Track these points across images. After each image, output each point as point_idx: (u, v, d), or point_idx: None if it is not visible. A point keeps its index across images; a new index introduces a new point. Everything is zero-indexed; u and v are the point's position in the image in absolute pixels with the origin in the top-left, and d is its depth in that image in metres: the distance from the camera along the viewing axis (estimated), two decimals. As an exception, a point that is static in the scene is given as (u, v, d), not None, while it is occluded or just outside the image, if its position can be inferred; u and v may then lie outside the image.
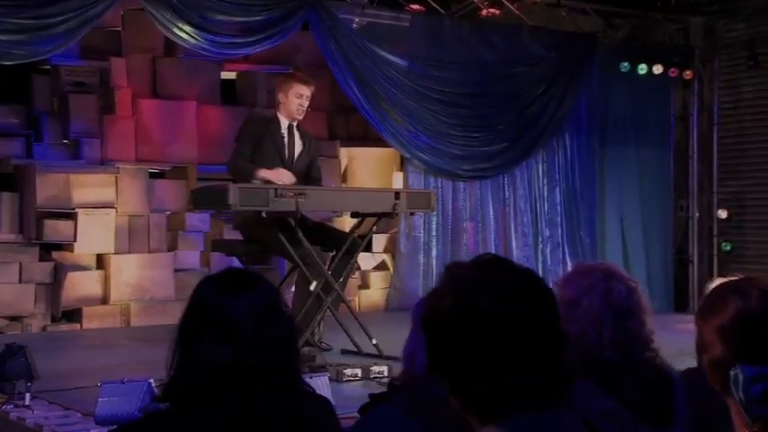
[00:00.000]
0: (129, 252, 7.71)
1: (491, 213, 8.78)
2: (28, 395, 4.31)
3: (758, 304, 1.90)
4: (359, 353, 5.57)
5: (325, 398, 2.26)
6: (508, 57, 8.65)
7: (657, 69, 9.30)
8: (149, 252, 7.80)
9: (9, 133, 7.58)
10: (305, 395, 2.10)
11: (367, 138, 8.84)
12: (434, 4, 8.35)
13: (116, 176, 7.71)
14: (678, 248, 10.03)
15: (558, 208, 9.05)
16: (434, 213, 7.88)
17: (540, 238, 8.98)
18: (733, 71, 9.84)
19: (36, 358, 4.44)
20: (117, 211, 7.68)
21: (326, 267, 5.55)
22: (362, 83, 7.80)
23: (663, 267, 9.74)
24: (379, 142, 8.46)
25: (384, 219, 5.94)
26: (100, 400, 3.47)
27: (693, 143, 10.06)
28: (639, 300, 2.59)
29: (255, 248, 5.80)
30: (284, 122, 5.91)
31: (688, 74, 9.65)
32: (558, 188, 9.08)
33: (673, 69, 9.44)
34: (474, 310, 1.44)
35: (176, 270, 7.85)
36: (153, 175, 8.06)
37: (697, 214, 10.00)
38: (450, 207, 8.49)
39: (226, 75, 8.65)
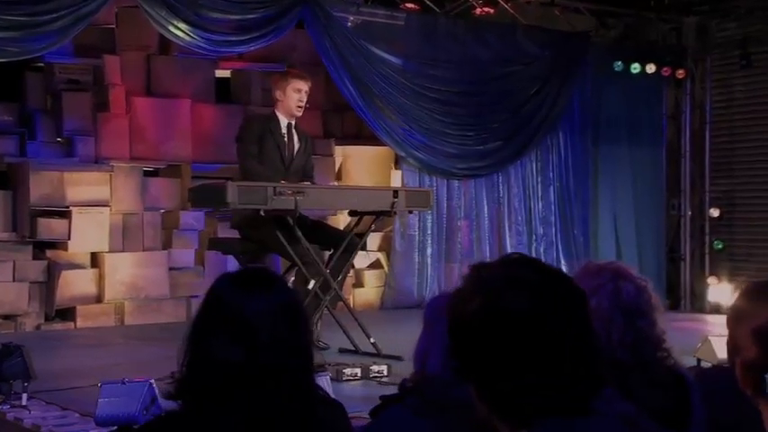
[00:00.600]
0: (124, 250, 7.62)
1: (485, 212, 8.74)
2: (25, 395, 4.23)
3: None
4: (357, 352, 5.51)
5: (338, 402, 2.19)
6: (502, 55, 8.61)
7: (650, 68, 9.28)
8: (144, 250, 7.70)
9: (2, 131, 7.47)
10: (319, 399, 2.04)
11: (361, 136, 8.78)
12: (429, 3, 8.30)
13: (110, 174, 7.62)
14: (670, 247, 10.02)
15: (552, 206, 9.03)
16: (429, 212, 7.83)
17: (534, 237, 8.95)
18: (725, 70, 9.82)
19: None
20: (111, 210, 7.58)
21: (324, 266, 5.48)
22: (357, 81, 7.75)
23: (655, 265, 9.72)
24: (373, 141, 8.40)
25: (380, 217, 5.86)
26: (100, 400, 3.38)
27: (685, 142, 10.05)
28: (650, 299, 2.54)
29: (252, 247, 5.72)
30: (284, 121, 5.84)
31: (680, 73, 9.63)
32: (551, 187, 9.05)
33: (665, 68, 9.43)
34: (504, 311, 1.38)
35: (171, 268, 7.77)
36: (147, 174, 7.96)
37: (689, 213, 9.99)
38: (445, 205, 8.45)
39: (220, 73, 8.56)
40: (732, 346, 1.92)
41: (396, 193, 5.55)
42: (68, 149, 7.66)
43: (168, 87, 8.09)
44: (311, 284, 5.27)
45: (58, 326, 7.30)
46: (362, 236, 5.82)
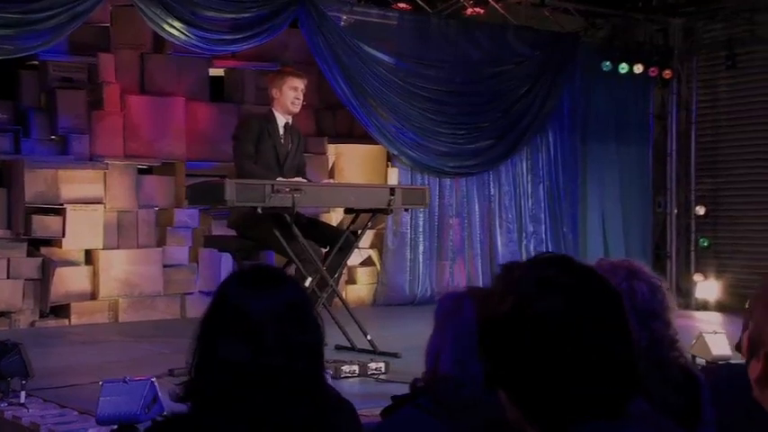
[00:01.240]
0: (118, 248, 7.53)
1: (476, 209, 8.70)
2: (23, 393, 4.14)
3: None
4: (353, 349, 5.43)
5: (349, 403, 2.10)
6: (493, 55, 8.56)
7: (638, 69, 9.25)
8: (138, 248, 7.61)
9: (-3, 129, 7.37)
10: (329, 401, 1.95)
11: (354, 134, 8.71)
12: (421, 3, 8.24)
13: (104, 172, 7.52)
14: (656, 244, 10.00)
15: (542, 204, 8.99)
16: (421, 210, 7.77)
17: (524, 234, 8.91)
18: (710, 71, 9.82)
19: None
20: (105, 207, 7.49)
21: (321, 263, 5.40)
22: (350, 80, 7.67)
23: (642, 262, 9.67)
24: (365, 139, 8.33)
25: (376, 215, 5.78)
26: (101, 399, 3.29)
27: (672, 141, 10.03)
28: (663, 299, 2.47)
29: (248, 245, 5.64)
30: (281, 120, 5.75)
31: (667, 73, 9.60)
32: (541, 185, 9.02)
33: (653, 69, 9.40)
34: (538, 312, 1.29)
35: (165, 266, 7.68)
36: (141, 171, 7.87)
37: (675, 211, 9.97)
38: (437, 203, 8.39)
39: (214, 71, 8.47)
40: (756, 338, 1.84)
41: (392, 190, 5.48)
42: (63, 147, 7.55)
43: (162, 85, 7.99)
44: (308, 282, 5.18)
45: (53, 323, 7.19)
46: (359, 233, 5.75)
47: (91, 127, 7.60)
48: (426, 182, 8.23)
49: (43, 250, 7.30)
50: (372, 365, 4.78)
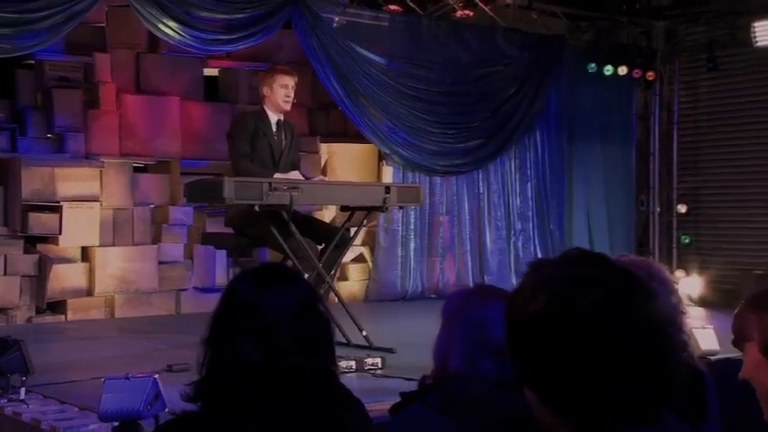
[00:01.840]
0: (114, 245, 7.42)
1: (466, 207, 8.65)
2: (23, 389, 4.02)
3: None
4: (348, 344, 5.35)
5: (359, 401, 2.02)
6: (483, 57, 8.51)
7: (622, 70, 9.23)
8: (133, 245, 7.50)
9: (-7, 127, 7.25)
10: (342, 399, 1.88)
11: (346, 134, 8.63)
12: (412, 5, 8.17)
13: (100, 170, 7.41)
14: (639, 241, 9.99)
15: (530, 202, 8.96)
16: (412, 208, 7.71)
17: (513, 231, 8.87)
18: (692, 73, 9.82)
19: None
20: (101, 205, 7.38)
21: (317, 260, 5.32)
22: (343, 80, 7.61)
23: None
24: (357, 138, 8.27)
25: (371, 212, 5.70)
26: (104, 395, 3.19)
27: (654, 141, 10.03)
28: (678, 302, 2.42)
29: (246, 242, 5.56)
30: (273, 117, 5.66)
31: (650, 75, 9.59)
32: (529, 183, 8.99)
33: (636, 70, 9.38)
34: (575, 311, 1.21)
35: (160, 262, 7.57)
36: (137, 170, 7.76)
37: (658, 209, 9.97)
38: (428, 201, 8.31)
39: (208, 71, 8.36)
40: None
41: (387, 188, 5.40)
42: (59, 145, 7.43)
43: (157, 85, 7.88)
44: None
45: (49, 319, 7.09)
46: (352, 230, 5.67)
47: (87, 126, 7.49)
48: (417, 180, 8.17)
49: (40, 247, 7.19)
50: (369, 361, 4.70)
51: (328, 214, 7.96)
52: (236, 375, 1.74)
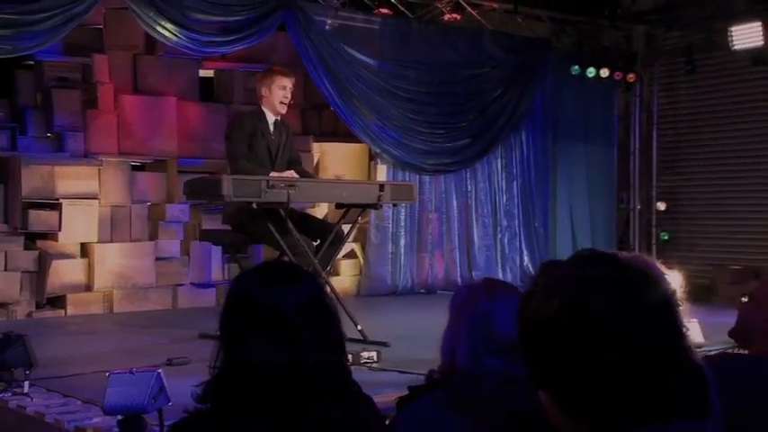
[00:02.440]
0: (112, 241, 7.34)
1: (454, 205, 8.62)
2: (27, 383, 3.95)
3: None
4: (343, 338, 5.28)
5: (369, 396, 1.96)
6: (470, 59, 8.47)
7: (604, 73, 9.22)
8: (131, 241, 7.42)
9: (-6, 126, 7.15)
10: (355, 395, 1.81)
11: (338, 133, 8.57)
12: (402, 8, 8.12)
13: (99, 169, 7.33)
14: (620, 238, 9.99)
15: (515, 200, 8.94)
16: (403, 205, 7.65)
17: (499, 228, 8.84)
18: (671, 75, 9.84)
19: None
20: (100, 202, 7.30)
21: (313, 256, 5.26)
22: (336, 81, 7.56)
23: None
24: (349, 137, 8.21)
25: (366, 210, 5.65)
26: (109, 390, 3.12)
27: (635, 141, 10.04)
28: (674, 297, 2.36)
29: (243, 238, 5.49)
30: (270, 117, 5.59)
31: (631, 77, 9.59)
32: (515, 182, 8.96)
33: (617, 73, 9.37)
34: (586, 312, 1.15)
35: (157, 258, 7.50)
36: (134, 168, 7.67)
37: (638, 206, 9.98)
38: (417, 199, 8.26)
39: (204, 72, 8.28)
40: None
41: (381, 186, 5.35)
42: (58, 144, 7.34)
43: (154, 86, 7.80)
44: (301, 274, 5.02)
45: (49, 313, 6.99)
46: (345, 227, 5.61)
47: (86, 125, 7.40)
48: (407, 179, 8.12)
49: (40, 243, 7.09)
50: (365, 354, 4.64)
51: (320, 211, 7.90)
52: (256, 376, 1.66)
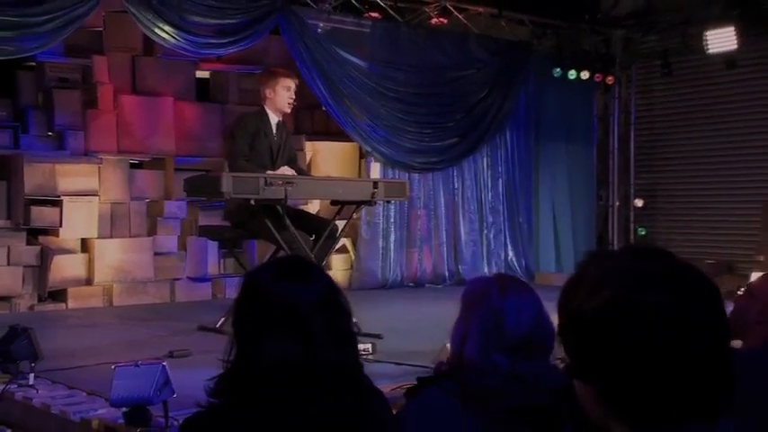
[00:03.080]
0: (112, 237, 7.26)
1: (442, 202, 8.58)
2: (32, 375, 3.89)
3: None
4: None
5: (379, 390, 1.91)
6: (457, 61, 8.43)
7: (584, 75, 9.20)
8: (130, 237, 7.34)
9: (-3, 125, 7.04)
10: (368, 390, 1.77)
11: (329, 132, 8.50)
12: (392, 12, 8.07)
13: (99, 166, 7.24)
14: (600, 233, 9.99)
15: (500, 197, 8.91)
16: (393, 203, 7.60)
17: (485, 224, 8.81)
18: (648, 77, 9.84)
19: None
20: (100, 199, 7.21)
21: (310, 251, 5.20)
22: (328, 81, 7.50)
23: (587, 249, 9.64)
24: (340, 136, 8.15)
25: (360, 206, 5.60)
26: (115, 382, 3.07)
27: (613, 140, 10.03)
28: None
29: (240, 234, 5.43)
30: (273, 118, 5.52)
31: (610, 79, 9.59)
32: (500, 179, 8.93)
33: (597, 75, 9.36)
34: (639, 306, 1.09)
35: (155, 253, 7.42)
36: (133, 166, 7.59)
37: (617, 203, 9.98)
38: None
39: (200, 74, 8.20)
40: None
41: (375, 184, 5.30)
42: (59, 143, 7.24)
43: (152, 86, 7.71)
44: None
45: (51, 306, 6.91)
46: (344, 223, 5.57)
47: (86, 124, 7.31)
48: (396, 176, 8.08)
49: (41, 239, 7.01)
50: (360, 346, 4.52)
51: (313, 208, 7.84)
52: (269, 370, 1.61)
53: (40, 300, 6.91)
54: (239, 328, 1.70)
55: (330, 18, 7.68)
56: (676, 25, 9.09)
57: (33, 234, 6.99)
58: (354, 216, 5.73)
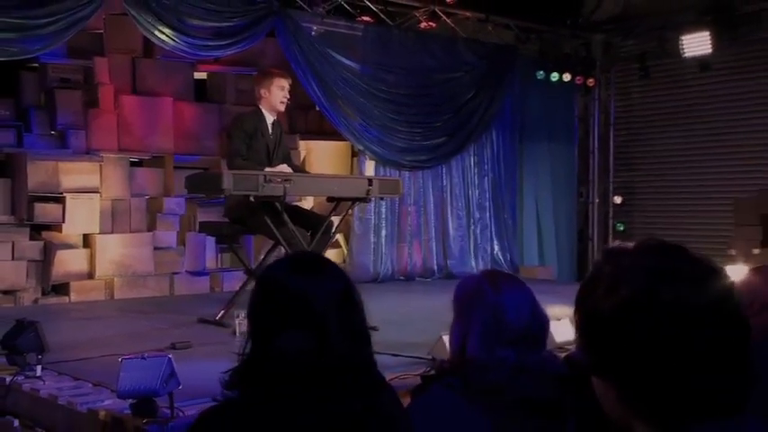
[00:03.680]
0: (113, 232, 7.16)
1: (431, 198, 8.53)
2: (39, 367, 3.81)
3: None
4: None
5: (392, 386, 1.85)
6: (446, 64, 8.38)
7: (566, 77, 9.19)
8: (131, 232, 7.25)
9: (1, 124, 6.91)
10: (380, 386, 1.71)
11: (323, 132, 8.43)
12: (383, 16, 8.01)
13: (100, 164, 7.14)
14: (580, 228, 9.98)
15: (487, 194, 8.88)
16: (381, 199, 7.54)
17: (472, 220, 8.77)
18: (626, 80, 9.84)
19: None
20: (101, 196, 7.12)
21: (307, 246, 5.13)
22: (322, 83, 7.44)
23: (568, 244, 9.68)
24: (333, 136, 8.09)
25: (356, 202, 5.53)
26: (122, 374, 3.00)
27: (594, 140, 10.03)
28: None
29: (239, 229, 5.35)
30: (269, 117, 5.45)
31: (591, 82, 9.57)
32: (486, 177, 8.90)
33: (578, 77, 9.34)
34: (658, 302, 1.05)
35: (155, 248, 7.33)
36: (133, 164, 7.50)
37: (597, 200, 9.98)
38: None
39: (198, 75, 8.10)
40: None
41: (370, 181, 5.24)
42: (62, 141, 7.14)
43: (152, 87, 7.60)
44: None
45: (54, 300, 6.81)
46: (338, 219, 5.50)
47: (87, 123, 7.20)
48: (387, 174, 8.02)
49: (45, 234, 6.91)
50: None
51: (306, 204, 7.77)
52: (284, 364, 1.55)
53: (44, 293, 6.82)
54: (255, 321, 1.65)
55: (324, 21, 7.61)
56: (653, 30, 9.09)
57: (37, 230, 6.89)
58: (351, 212, 5.65)
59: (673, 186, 9.33)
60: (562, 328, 4.17)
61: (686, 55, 8.62)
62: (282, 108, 5.43)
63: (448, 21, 8.38)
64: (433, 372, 2.32)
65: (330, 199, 5.45)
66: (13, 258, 6.65)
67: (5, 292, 6.63)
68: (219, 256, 7.74)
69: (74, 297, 6.85)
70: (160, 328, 5.41)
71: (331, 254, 8.22)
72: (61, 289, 6.89)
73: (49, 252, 6.79)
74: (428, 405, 1.99)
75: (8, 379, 3.71)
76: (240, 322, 4.73)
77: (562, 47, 9.39)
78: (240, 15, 6.96)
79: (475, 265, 8.52)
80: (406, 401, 1.97)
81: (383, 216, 8.17)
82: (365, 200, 5.24)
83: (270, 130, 5.42)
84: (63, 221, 6.87)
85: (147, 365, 3.02)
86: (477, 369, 1.96)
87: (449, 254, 8.57)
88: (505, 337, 1.97)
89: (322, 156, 8.37)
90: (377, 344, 4.76)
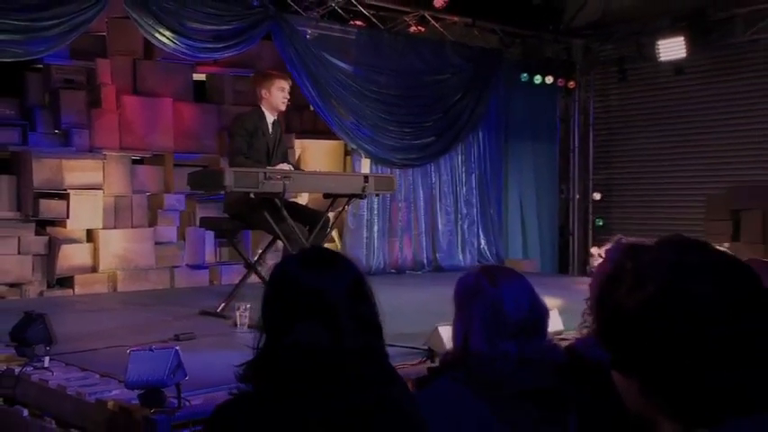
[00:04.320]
0: (115, 227, 7.07)
1: (421, 195, 8.48)
2: (47, 358, 3.72)
3: None
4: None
5: (403, 379, 1.79)
6: (434, 66, 8.33)
7: (549, 80, 9.16)
8: (132, 227, 7.16)
9: (6, 123, 6.80)
10: (392, 379, 1.65)
11: (317, 131, 8.36)
12: (374, 20, 7.94)
13: (103, 162, 7.04)
14: (562, 223, 9.97)
15: (474, 191, 8.84)
16: (377, 195, 7.48)
17: (460, 216, 8.73)
18: (605, 82, 9.84)
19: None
20: (104, 192, 7.02)
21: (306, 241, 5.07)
22: (316, 84, 7.36)
23: (550, 238, 9.66)
24: (327, 135, 8.02)
25: (352, 198, 5.46)
26: (130, 366, 2.93)
27: (574, 139, 10.01)
28: None
29: (238, 225, 5.28)
30: (269, 117, 5.37)
31: (571, 84, 9.55)
32: (473, 175, 8.86)
33: (560, 80, 9.32)
34: (686, 298, 0.99)
35: (156, 243, 7.24)
36: (135, 162, 7.40)
37: (577, 196, 9.96)
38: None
39: (197, 76, 8.00)
40: None
41: (366, 178, 5.17)
42: (66, 140, 7.03)
43: (152, 87, 7.50)
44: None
45: (59, 292, 6.71)
46: (335, 215, 5.44)
47: (90, 123, 7.10)
48: (379, 171, 7.96)
49: (49, 230, 6.81)
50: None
51: (302, 201, 7.70)
52: (297, 357, 1.49)
53: (49, 286, 6.73)
54: (268, 315, 1.59)
55: (318, 25, 7.53)
56: (631, 35, 9.08)
57: (42, 225, 6.79)
58: (347, 208, 5.58)
59: (649, 183, 9.34)
60: (551, 318, 4.14)
61: (662, 59, 8.62)
62: (284, 108, 5.37)
63: (436, 25, 8.33)
64: (436, 365, 2.26)
65: (327, 195, 5.38)
66: (19, 253, 6.55)
67: (12, 285, 6.53)
68: (218, 250, 7.65)
69: (78, 290, 6.76)
70: (163, 320, 5.32)
71: (325, 248, 8.17)
72: (66, 282, 6.79)
73: (53, 246, 6.69)
74: (435, 396, 1.94)
75: (17, 370, 3.63)
76: (241, 314, 4.66)
77: (544, 51, 9.36)
78: (238, 19, 6.87)
79: (462, 259, 8.48)
80: None
81: (375, 212, 8.12)
82: (361, 196, 5.17)
83: (270, 130, 5.35)
84: (67, 217, 6.77)
85: (155, 357, 2.95)
86: (480, 362, 1.91)
87: (438, 248, 8.53)
88: (506, 329, 1.92)
89: (316, 154, 8.30)
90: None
